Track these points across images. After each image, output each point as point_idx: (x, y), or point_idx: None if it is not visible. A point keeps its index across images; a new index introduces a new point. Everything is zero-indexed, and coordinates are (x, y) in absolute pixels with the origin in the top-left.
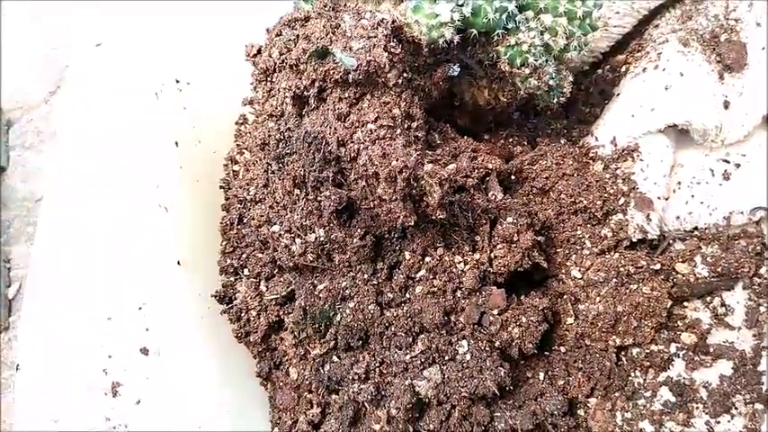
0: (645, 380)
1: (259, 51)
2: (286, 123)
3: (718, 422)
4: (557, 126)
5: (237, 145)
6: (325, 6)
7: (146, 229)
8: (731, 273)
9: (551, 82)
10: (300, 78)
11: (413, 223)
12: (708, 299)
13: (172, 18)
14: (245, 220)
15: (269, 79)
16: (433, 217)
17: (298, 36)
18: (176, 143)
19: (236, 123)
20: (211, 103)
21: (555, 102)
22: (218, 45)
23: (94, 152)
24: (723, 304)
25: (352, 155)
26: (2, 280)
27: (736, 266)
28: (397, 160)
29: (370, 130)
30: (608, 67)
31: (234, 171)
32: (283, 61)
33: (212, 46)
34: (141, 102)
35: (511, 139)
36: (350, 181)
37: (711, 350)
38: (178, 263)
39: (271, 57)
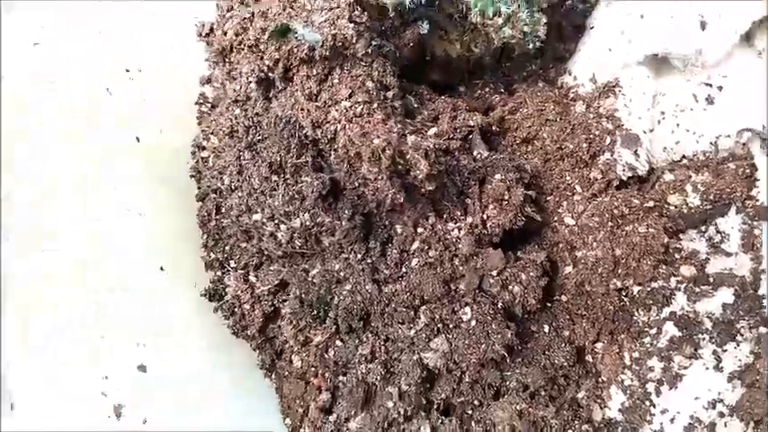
0: (649, 318)
1: (211, 30)
2: (253, 108)
3: (725, 350)
4: (532, 67)
5: (203, 130)
6: None
7: (122, 238)
8: (723, 198)
9: (526, 28)
10: (262, 59)
11: (402, 200)
12: (703, 228)
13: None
14: (222, 210)
15: (227, 60)
16: (423, 189)
17: (253, 13)
18: (137, 138)
19: (197, 104)
20: (167, 87)
21: (531, 47)
22: (165, 25)
23: (50, 159)
24: (718, 231)
25: (330, 136)
26: None
27: (728, 191)
28: (378, 138)
29: (346, 108)
30: None
31: (203, 158)
32: (240, 42)
33: (159, 26)
34: (94, 98)
35: (487, 89)
36: (330, 162)
37: (711, 280)
38: (161, 268)
39: (225, 36)
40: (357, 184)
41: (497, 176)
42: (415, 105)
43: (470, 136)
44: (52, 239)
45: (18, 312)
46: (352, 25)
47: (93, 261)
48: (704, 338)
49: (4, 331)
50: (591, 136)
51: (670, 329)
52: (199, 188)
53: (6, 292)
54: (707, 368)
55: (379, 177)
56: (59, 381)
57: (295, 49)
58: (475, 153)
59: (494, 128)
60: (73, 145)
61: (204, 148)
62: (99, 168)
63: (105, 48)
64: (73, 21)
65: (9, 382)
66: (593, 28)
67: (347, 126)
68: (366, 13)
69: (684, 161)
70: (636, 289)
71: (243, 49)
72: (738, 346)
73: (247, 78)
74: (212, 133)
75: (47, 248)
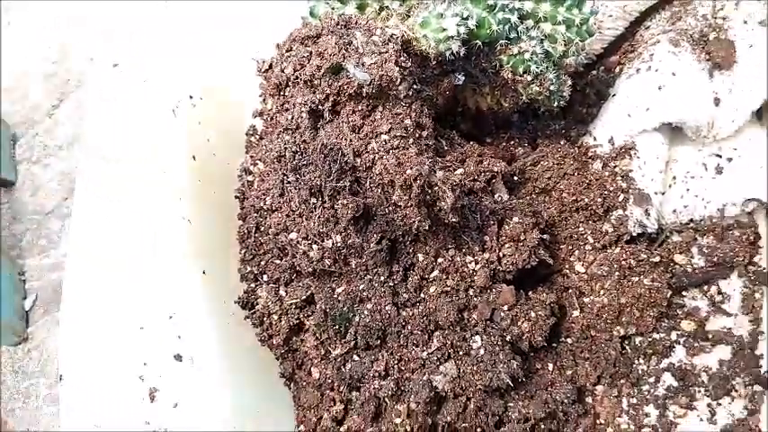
0: (648, 366)
1: (270, 66)
2: (302, 136)
3: (720, 404)
4: (555, 127)
5: (251, 156)
6: (337, 24)
7: (172, 242)
8: (726, 262)
9: (552, 87)
10: (315, 93)
11: (427, 227)
12: (705, 288)
13: (181, 35)
14: (262, 229)
15: (281, 93)
16: (446, 220)
17: (311, 53)
18: (194, 157)
19: (247, 134)
20: (222, 117)
21: (555, 105)
22: (226, 59)
23: (118, 168)
24: (720, 292)
25: (368, 164)
26: (18, 292)
27: (731, 256)
28: (411, 168)
29: (384, 141)
30: (602, 68)
31: (248, 181)
32: (297, 77)
33: (220, 60)
34: (161, 119)
35: (512, 142)
36: (365, 189)
37: (710, 336)
38: (203, 272)
39: (283, 72)
40: (388, 211)
41: (515, 219)
42: (446, 148)
43: (493, 180)
44: (112, 238)
45: (72, 303)
46: (397, 69)
47: (144, 259)
48: (700, 391)
49: (61, 319)
50: (605, 192)
51: (668, 379)
52: (242, 208)
53: (64, 286)
54: (701, 419)
55: (409, 205)
56: (103, 362)
57: (345, 86)
58: (496, 196)
59: (515, 177)
60: (141, 154)
61: (251, 173)
62: (161, 179)
63: (176, 73)
64: (155, 46)
65: (61, 360)
66: (614, 95)
67: (384, 156)
68: (411, 59)
69: (692, 224)
70: (638, 339)
71: (298, 83)
72: (732, 401)
73: (300, 109)
74: (260, 159)
75: (105, 245)
